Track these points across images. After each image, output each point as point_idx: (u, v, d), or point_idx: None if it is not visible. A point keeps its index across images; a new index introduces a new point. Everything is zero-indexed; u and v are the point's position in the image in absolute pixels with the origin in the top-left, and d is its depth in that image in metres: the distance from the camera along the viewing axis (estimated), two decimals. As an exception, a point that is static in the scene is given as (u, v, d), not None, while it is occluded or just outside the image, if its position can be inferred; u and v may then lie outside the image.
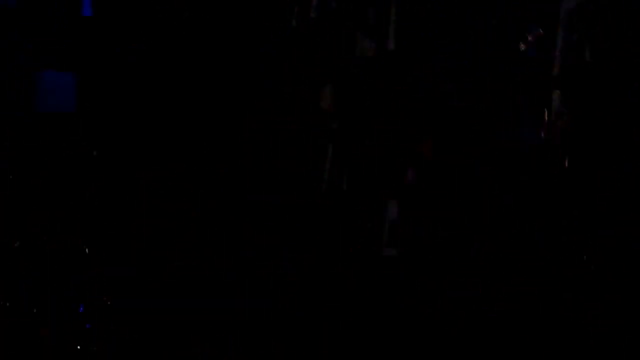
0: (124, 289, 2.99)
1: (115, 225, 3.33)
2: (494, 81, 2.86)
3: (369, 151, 3.14)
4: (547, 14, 2.77)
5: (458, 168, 2.91)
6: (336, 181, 3.34)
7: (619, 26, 2.60)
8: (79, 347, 2.03)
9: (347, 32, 3.33)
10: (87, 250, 3.07)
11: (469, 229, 2.07)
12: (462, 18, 3.08)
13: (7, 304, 2.23)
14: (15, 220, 3.08)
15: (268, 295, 1.92)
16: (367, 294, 1.88)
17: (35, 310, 2.23)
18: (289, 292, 1.89)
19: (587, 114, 2.61)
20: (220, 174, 3.58)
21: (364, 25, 3.31)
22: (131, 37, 3.51)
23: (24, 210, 3.15)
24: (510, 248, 2.49)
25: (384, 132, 3.02)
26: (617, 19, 2.61)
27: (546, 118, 2.69)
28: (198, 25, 3.58)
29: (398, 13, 3.23)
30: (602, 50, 2.61)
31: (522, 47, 2.78)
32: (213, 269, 3.10)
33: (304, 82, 3.52)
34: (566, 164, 2.62)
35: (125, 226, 3.30)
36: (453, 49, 3.05)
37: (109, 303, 2.27)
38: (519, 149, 2.73)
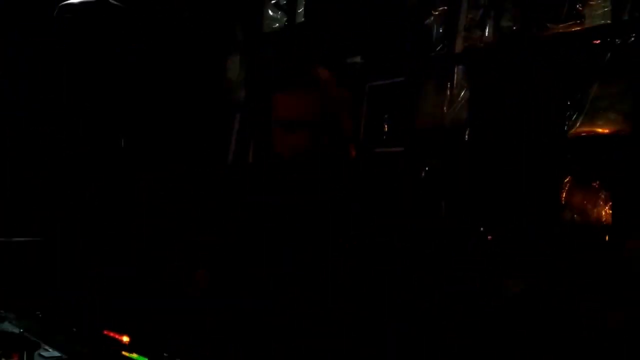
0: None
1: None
2: (400, 55, 2.91)
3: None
4: None
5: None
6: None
7: (522, 5, 2.73)
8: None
9: (255, 3, 3.42)
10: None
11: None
12: None
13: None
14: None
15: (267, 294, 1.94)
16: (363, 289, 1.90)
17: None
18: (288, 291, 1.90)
19: (487, 89, 2.67)
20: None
21: None
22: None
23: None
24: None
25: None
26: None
27: (448, 93, 2.77)
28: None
29: None
30: (505, 28, 2.78)
31: (428, 21, 2.83)
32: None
33: (212, 53, 3.62)
34: (466, 137, 2.70)
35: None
36: (360, 22, 3.07)
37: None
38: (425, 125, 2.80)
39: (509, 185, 2.61)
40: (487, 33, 2.69)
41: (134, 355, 2.09)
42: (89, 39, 3.55)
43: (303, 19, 3.22)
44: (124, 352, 2.07)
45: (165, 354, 1.99)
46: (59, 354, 1.90)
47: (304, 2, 3.27)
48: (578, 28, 2.45)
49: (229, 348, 1.90)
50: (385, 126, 2.98)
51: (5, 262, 2.47)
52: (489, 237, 2.62)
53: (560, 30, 2.50)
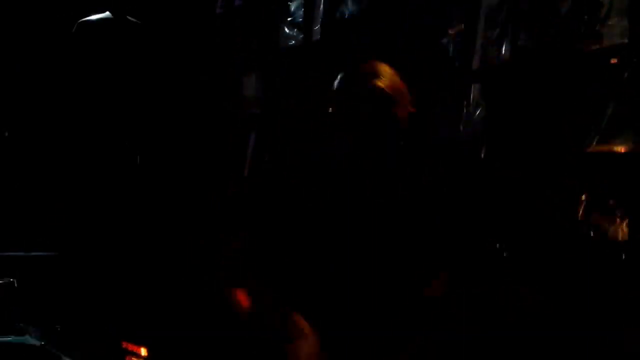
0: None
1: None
2: (416, 74, 2.75)
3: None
4: (469, 8, 2.81)
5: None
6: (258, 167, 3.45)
7: (539, 24, 2.75)
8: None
9: (272, 21, 3.44)
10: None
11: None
12: (386, 10, 3.09)
13: None
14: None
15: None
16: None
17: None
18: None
19: (504, 107, 2.69)
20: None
21: (290, 15, 3.37)
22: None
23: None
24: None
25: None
26: (537, 17, 2.75)
27: (464, 111, 2.78)
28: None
29: (325, 3, 3.26)
30: (521, 47, 2.80)
31: (444, 41, 2.85)
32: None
33: (228, 70, 3.64)
34: (482, 156, 2.71)
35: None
36: (376, 41, 3.08)
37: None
38: (439, 143, 2.83)
39: (526, 203, 2.62)
40: (503, 51, 2.72)
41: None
42: (107, 55, 3.59)
43: (319, 37, 3.25)
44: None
45: None
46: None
47: (320, 20, 3.30)
48: (596, 46, 2.47)
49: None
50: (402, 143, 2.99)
51: (24, 276, 2.49)
52: (505, 254, 2.63)
53: (578, 49, 2.52)
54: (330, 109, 2.04)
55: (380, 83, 2.03)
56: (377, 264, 1.93)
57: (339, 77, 2.07)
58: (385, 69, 2.08)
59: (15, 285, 2.34)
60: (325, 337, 1.75)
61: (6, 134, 3.59)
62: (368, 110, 1.97)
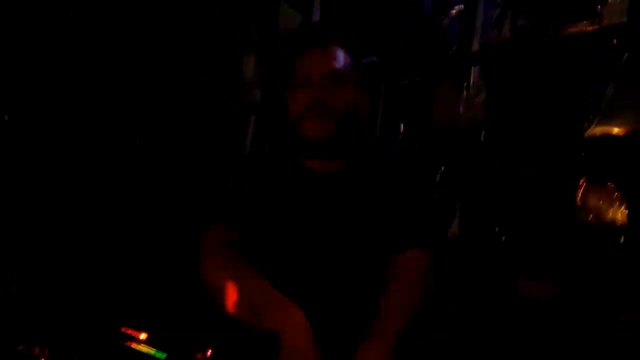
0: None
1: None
2: (417, 55, 2.91)
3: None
4: None
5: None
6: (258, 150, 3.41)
7: (539, 3, 2.73)
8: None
9: (270, 2, 3.40)
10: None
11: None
12: None
13: None
14: None
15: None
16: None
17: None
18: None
19: (505, 89, 2.66)
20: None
21: None
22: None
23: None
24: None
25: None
26: None
27: (465, 93, 2.75)
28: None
29: None
30: (522, 27, 2.78)
31: (445, 20, 2.84)
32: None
33: (227, 53, 3.60)
34: (482, 138, 2.68)
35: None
36: (377, 21, 3.06)
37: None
38: (440, 126, 2.80)
39: (524, 186, 2.61)
40: (503, 32, 2.70)
41: (152, 351, 2.10)
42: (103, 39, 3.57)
43: (319, 18, 3.23)
44: (141, 347, 2.09)
45: (182, 348, 2.00)
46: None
47: (320, 1, 3.27)
48: (595, 27, 2.45)
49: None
50: (402, 126, 2.98)
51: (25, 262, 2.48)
52: (503, 238, 2.62)
53: (578, 30, 2.50)
54: (288, 95, 2.03)
55: (336, 64, 2.02)
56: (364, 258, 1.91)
57: (296, 59, 2.06)
58: (338, 51, 2.06)
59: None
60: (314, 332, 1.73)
61: (6, 118, 3.57)
62: (325, 89, 1.97)
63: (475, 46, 2.77)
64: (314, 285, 1.85)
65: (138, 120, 3.61)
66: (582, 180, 2.43)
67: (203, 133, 3.68)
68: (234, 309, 1.78)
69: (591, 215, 2.41)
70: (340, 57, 2.03)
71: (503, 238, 2.58)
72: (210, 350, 2.20)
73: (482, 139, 2.72)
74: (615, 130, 2.38)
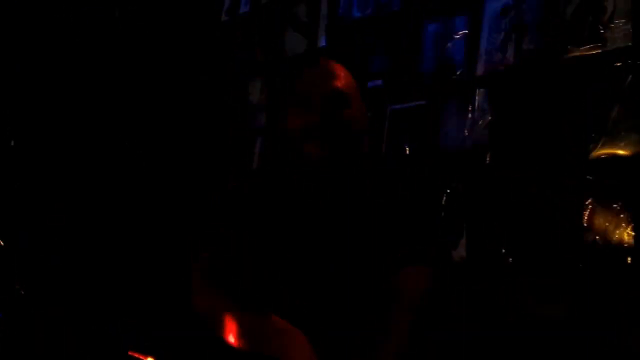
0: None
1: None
2: (420, 80, 2.93)
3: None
4: (472, 14, 2.81)
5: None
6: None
7: (543, 28, 2.76)
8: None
9: (276, 28, 3.43)
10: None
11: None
12: (391, 15, 3.06)
13: None
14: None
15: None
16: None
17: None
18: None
19: (510, 112, 2.68)
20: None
21: (294, 22, 3.37)
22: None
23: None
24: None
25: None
26: (541, 22, 2.76)
27: (470, 116, 2.78)
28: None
29: (330, 9, 3.25)
30: (526, 51, 2.75)
31: (448, 45, 2.86)
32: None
33: (233, 77, 3.62)
34: (487, 161, 2.70)
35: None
36: (382, 47, 3.08)
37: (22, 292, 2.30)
38: (446, 148, 2.81)
39: (530, 207, 2.62)
40: (507, 55, 2.73)
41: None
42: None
43: (324, 43, 3.26)
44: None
45: None
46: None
47: (325, 26, 3.31)
48: (599, 50, 2.47)
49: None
50: (407, 149, 3.00)
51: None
52: (510, 259, 2.62)
53: (582, 53, 2.52)
54: (284, 114, 1.99)
55: (338, 83, 1.97)
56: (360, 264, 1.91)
57: (294, 80, 2.02)
58: (340, 69, 2.02)
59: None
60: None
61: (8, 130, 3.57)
62: (327, 111, 1.92)
63: (480, 70, 2.82)
64: (311, 292, 1.84)
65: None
66: (588, 202, 2.44)
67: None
68: (234, 339, 1.77)
69: (598, 237, 2.42)
70: (341, 76, 1.98)
71: (510, 260, 2.59)
72: None
73: (487, 160, 2.74)
74: (621, 151, 2.39)
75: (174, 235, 3.22)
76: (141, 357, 2.33)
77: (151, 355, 2.31)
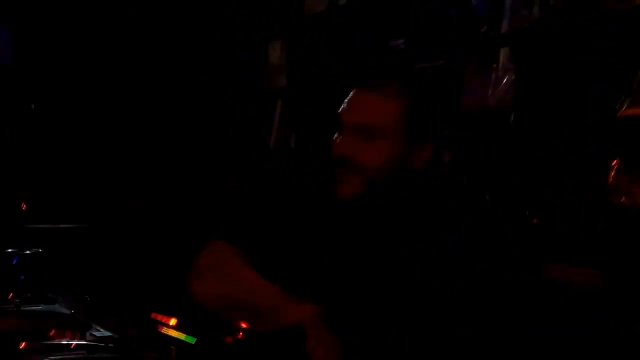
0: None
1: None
2: (443, 36, 2.87)
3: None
4: None
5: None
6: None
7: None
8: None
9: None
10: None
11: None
12: None
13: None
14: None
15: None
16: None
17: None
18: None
19: (535, 71, 2.61)
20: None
21: None
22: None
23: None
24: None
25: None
26: None
27: (493, 75, 2.71)
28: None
29: None
30: (552, 7, 2.64)
31: (472, 1, 2.78)
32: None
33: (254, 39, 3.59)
34: (511, 120, 2.64)
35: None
36: (403, 3, 3.00)
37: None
38: (469, 108, 2.76)
39: (555, 168, 2.58)
40: (533, 11, 2.66)
41: (182, 336, 2.10)
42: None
43: (346, 1, 3.21)
44: (171, 332, 2.08)
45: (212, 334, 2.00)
46: (110, 334, 1.92)
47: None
48: (627, 5, 2.41)
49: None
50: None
51: (53, 247, 2.50)
52: (534, 220, 2.59)
53: (609, 9, 2.46)
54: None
55: (373, 113, 1.71)
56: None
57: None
58: (385, 95, 1.73)
59: (44, 255, 2.35)
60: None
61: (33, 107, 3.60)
62: (354, 150, 1.71)
63: (505, 27, 2.76)
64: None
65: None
66: (614, 162, 2.40)
67: (229, 117, 3.68)
68: (241, 318, 1.75)
69: (624, 197, 2.38)
70: (383, 102, 1.70)
71: (534, 221, 2.55)
72: (240, 334, 2.19)
73: (511, 121, 2.69)
74: (650, 109, 2.34)
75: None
76: (164, 318, 2.33)
77: (174, 316, 2.31)
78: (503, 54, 2.72)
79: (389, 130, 1.68)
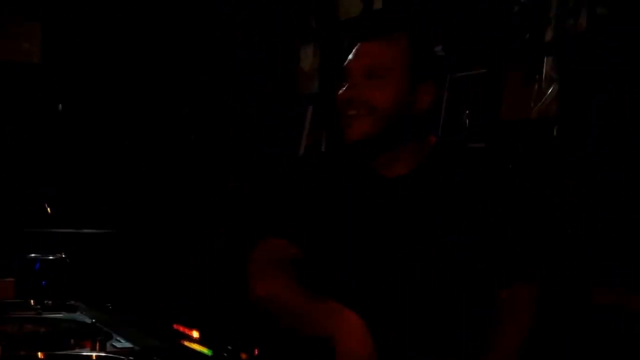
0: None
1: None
2: (485, 44, 2.78)
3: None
4: None
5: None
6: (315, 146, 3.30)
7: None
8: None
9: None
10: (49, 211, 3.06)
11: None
12: None
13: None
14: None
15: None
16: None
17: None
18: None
19: (579, 83, 2.51)
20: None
21: None
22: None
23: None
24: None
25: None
26: None
27: (536, 86, 2.61)
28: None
29: None
30: (599, 17, 2.64)
31: (516, 9, 2.67)
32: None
33: (286, 43, 3.50)
34: (554, 133, 2.54)
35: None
36: (443, 9, 2.93)
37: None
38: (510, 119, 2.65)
39: (601, 185, 2.47)
40: (579, 21, 2.55)
41: (202, 348, 2.06)
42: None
43: (381, 5, 3.12)
44: (191, 345, 2.04)
45: (229, 347, 1.96)
46: (131, 345, 1.85)
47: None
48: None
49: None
50: (467, 120, 2.86)
51: (77, 253, 2.44)
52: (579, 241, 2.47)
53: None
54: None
55: (376, 55, 1.79)
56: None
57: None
58: (387, 40, 1.83)
59: (67, 261, 2.29)
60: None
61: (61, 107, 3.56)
62: (360, 90, 1.76)
63: (549, 36, 2.65)
64: (382, 307, 1.71)
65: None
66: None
67: (260, 121, 3.62)
68: (285, 319, 1.70)
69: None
70: (385, 47, 1.78)
71: (579, 241, 2.44)
72: (256, 350, 2.15)
73: (554, 133, 2.59)
74: None
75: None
76: (186, 330, 2.27)
77: (196, 328, 2.25)
78: (547, 64, 2.63)
79: (393, 70, 1.75)
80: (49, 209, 3.21)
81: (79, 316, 2.08)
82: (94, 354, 1.77)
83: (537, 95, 2.64)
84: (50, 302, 2.14)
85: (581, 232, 2.44)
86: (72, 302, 2.18)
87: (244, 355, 2.03)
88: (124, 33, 3.61)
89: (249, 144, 3.49)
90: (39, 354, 1.76)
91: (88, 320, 2.00)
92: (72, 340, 1.83)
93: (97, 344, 1.80)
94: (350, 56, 1.79)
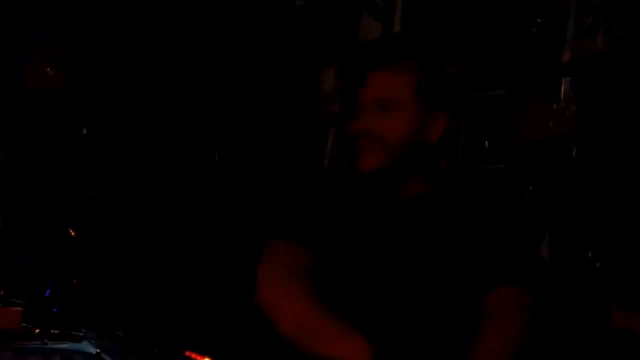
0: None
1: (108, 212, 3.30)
2: (502, 65, 2.75)
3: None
4: None
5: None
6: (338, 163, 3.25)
7: (637, 10, 2.53)
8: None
9: (351, 12, 3.26)
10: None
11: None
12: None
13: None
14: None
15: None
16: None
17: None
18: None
19: (598, 103, 2.46)
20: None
21: (369, 5, 3.19)
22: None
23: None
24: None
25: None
26: (635, 4, 2.53)
27: (555, 106, 2.56)
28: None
29: None
30: (617, 37, 2.57)
31: (533, 30, 2.64)
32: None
33: (306, 63, 3.49)
34: (574, 154, 2.50)
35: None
36: (460, 31, 2.90)
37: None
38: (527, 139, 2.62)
39: (622, 207, 2.41)
40: (597, 41, 2.50)
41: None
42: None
43: (400, 28, 3.10)
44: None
45: None
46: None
47: (401, 11, 3.15)
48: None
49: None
50: (486, 142, 2.81)
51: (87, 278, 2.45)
52: (598, 264, 2.41)
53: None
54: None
55: (387, 88, 1.84)
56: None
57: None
58: (398, 70, 1.88)
59: (78, 287, 2.30)
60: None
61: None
62: (372, 124, 1.81)
63: (566, 57, 2.61)
64: (382, 307, 1.72)
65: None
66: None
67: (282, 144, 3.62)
68: (292, 334, 1.68)
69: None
70: (392, 77, 1.82)
71: (597, 264, 2.38)
72: None
73: (574, 155, 2.53)
74: None
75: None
76: (198, 357, 2.26)
77: (208, 355, 2.24)
78: (565, 85, 2.58)
79: (404, 101, 1.79)
80: (73, 233, 3.24)
81: (84, 346, 2.09)
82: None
83: (556, 116, 2.60)
84: (55, 331, 2.15)
85: (590, 239, 2.40)
86: (79, 331, 2.18)
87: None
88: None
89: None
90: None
91: (93, 351, 2.01)
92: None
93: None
94: (361, 86, 1.82)
